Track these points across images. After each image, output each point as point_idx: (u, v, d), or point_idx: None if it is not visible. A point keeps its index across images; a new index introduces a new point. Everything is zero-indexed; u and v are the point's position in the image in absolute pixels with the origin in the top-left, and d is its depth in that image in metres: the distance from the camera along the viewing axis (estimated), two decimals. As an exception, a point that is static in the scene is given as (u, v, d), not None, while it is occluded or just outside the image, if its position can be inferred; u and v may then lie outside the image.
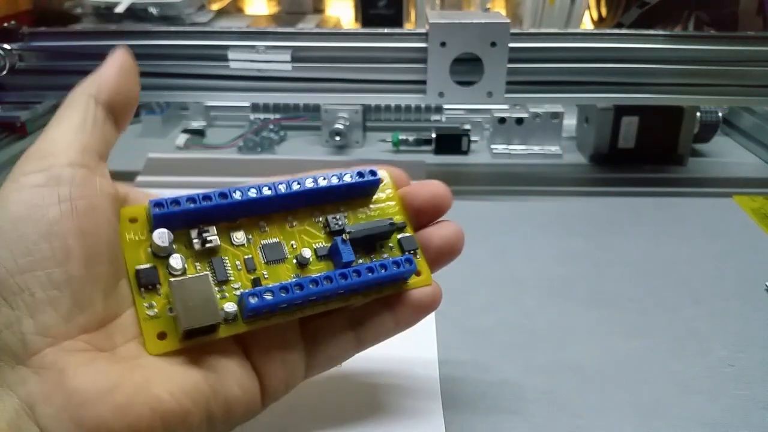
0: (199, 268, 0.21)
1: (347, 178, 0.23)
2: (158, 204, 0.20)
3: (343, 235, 0.22)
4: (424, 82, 0.45)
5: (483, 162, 0.55)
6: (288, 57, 0.44)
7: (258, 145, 0.56)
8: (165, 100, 0.60)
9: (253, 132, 0.57)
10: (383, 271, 0.22)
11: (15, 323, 0.17)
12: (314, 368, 0.23)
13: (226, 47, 0.44)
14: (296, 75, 0.45)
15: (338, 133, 0.55)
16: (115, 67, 0.22)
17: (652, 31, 0.46)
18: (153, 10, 0.65)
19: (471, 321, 0.34)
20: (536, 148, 0.55)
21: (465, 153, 0.55)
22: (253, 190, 0.21)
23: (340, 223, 0.23)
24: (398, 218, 0.24)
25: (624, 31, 0.49)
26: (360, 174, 0.23)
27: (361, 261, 0.23)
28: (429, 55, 0.44)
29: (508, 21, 0.43)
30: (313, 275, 0.21)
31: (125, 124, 0.22)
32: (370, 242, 0.23)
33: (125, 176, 0.49)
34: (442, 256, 0.24)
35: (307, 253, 0.22)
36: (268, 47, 0.44)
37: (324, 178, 0.22)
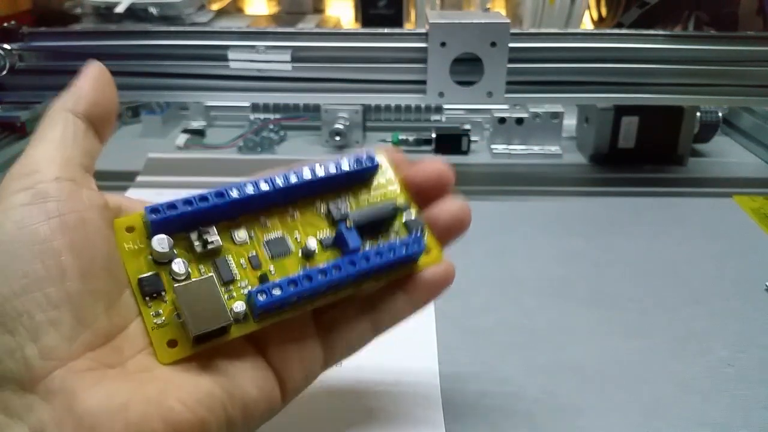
0: (203, 270, 0.20)
1: (345, 166, 0.22)
2: (154, 210, 0.20)
3: (347, 221, 0.22)
4: (424, 82, 0.45)
5: (483, 162, 0.55)
6: (288, 57, 0.44)
7: (258, 145, 0.56)
8: (165, 100, 0.60)
9: (253, 132, 0.57)
10: (392, 253, 0.21)
11: (17, 349, 0.17)
12: (332, 358, 0.22)
13: (226, 47, 0.44)
14: (296, 75, 0.45)
15: (338, 133, 0.55)
16: (91, 80, 0.21)
17: (652, 31, 0.46)
18: (153, 10, 0.65)
19: (471, 321, 0.34)
20: (536, 148, 0.55)
21: (465, 153, 0.55)
22: (251, 186, 0.21)
23: (342, 210, 0.22)
24: (401, 200, 0.23)
25: (624, 31, 0.49)
26: (358, 161, 0.22)
27: (368, 246, 0.22)
28: (429, 55, 0.44)
29: (508, 21, 0.43)
30: (321, 265, 0.20)
31: (107, 135, 0.22)
32: (375, 227, 0.22)
33: (125, 176, 0.49)
34: (450, 232, 0.24)
35: (313, 242, 0.21)
36: (268, 47, 0.44)
37: (322, 168, 0.22)
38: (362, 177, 0.23)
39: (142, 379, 0.18)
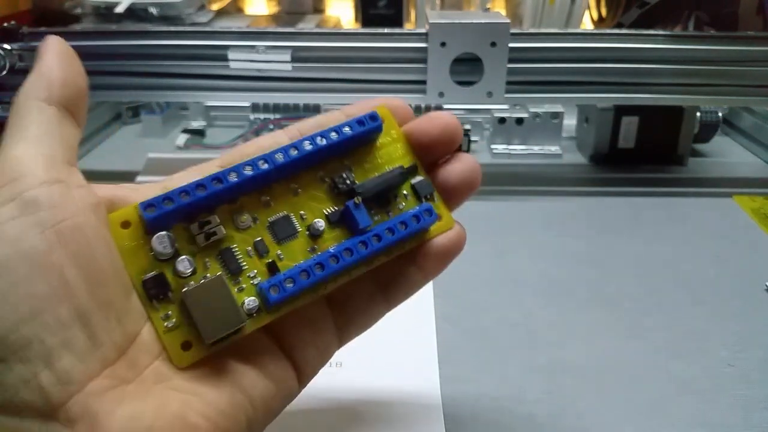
0: (208, 263, 0.19)
1: (347, 131, 0.21)
2: (149, 205, 0.18)
3: (355, 198, 0.20)
4: (424, 82, 0.45)
5: (483, 162, 0.54)
6: (288, 57, 0.44)
7: (258, 145, 0.56)
8: (165, 100, 0.60)
9: (253, 132, 0.57)
10: (404, 228, 0.20)
11: (31, 378, 0.15)
12: (346, 337, 0.22)
13: (226, 47, 0.44)
14: (296, 75, 0.45)
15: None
16: (55, 58, 0.19)
17: (652, 31, 0.46)
18: (153, 10, 0.65)
19: (471, 321, 0.34)
20: (536, 148, 0.55)
21: (465, 153, 0.55)
22: (249, 167, 0.19)
23: (348, 181, 0.21)
24: (407, 161, 0.22)
25: (624, 31, 0.49)
26: (360, 122, 0.21)
27: (377, 218, 0.21)
28: (429, 55, 0.44)
29: (508, 21, 0.43)
30: (332, 250, 0.20)
31: (83, 119, 0.20)
32: (383, 194, 0.21)
33: (125, 176, 0.49)
34: (460, 193, 0.23)
35: (320, 223, 0.20)
36: (268, 47, 0.44)
37: (322, 137, 0.20)
38: (366, 138, 0.22)
39: (162, 394, 0.17)
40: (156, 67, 0.45)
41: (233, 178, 0.19)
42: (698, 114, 0.53)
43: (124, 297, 0.18)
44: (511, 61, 0.44)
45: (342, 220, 0.21)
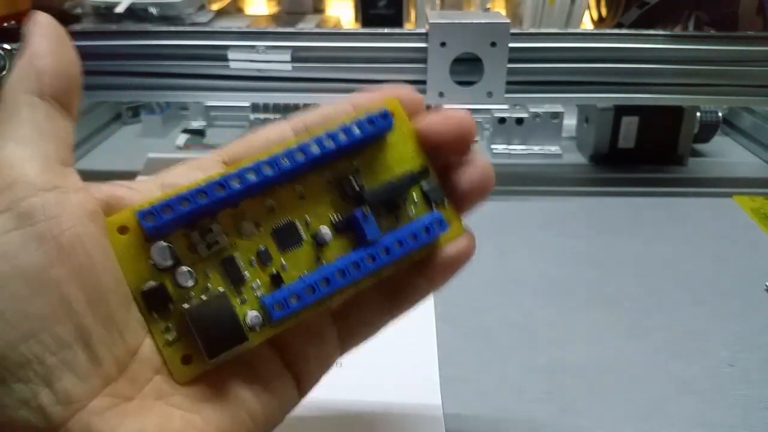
0: (209, 273, 0.18)
1: (356, 132, 0.19)
2: (148, 214, 0.17)
3: (363, 208, 0.19)
4: (424, 82, 0.45)
5: (483, 162, 0.54)
6: (288, 57, 0.44)
7: (258, 145, 0.56)
8: (165, 100, 0.60)
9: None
10: (413, 240, 0.20)
11: (31, 398, 0.15)
12: (348, 347, 0.21)
13: (226, 47, 0.44)
14: (296, 75, 0.45)
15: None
16: (44, 42, 0.18)
17: (652, 31, 0.46)
18: (153, 10, 0.65)
19: (471, 321, 0.34)
20: (536, 148, 0.55)
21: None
22: (253, 173, 0.18)
23: (356, 186, 0.20)
24: (418, 163, 0.21)
25: (624, 31, 0.49)
26: (370, 121, 0.20)
27: (385, 222, 0.20)
28: (429, 55, 0.44)
29: (508, 21, 0.43)
30: (339, 264, 0.19)
31: (75, 112, 0.18)
32: (392, 200, 0.20)
33: (125, 176, 0.49)
34: (472, 199, 0.21)
35: (326, 231, 0.19)
36: (268, 47, 0.44)
37: (330, 139, 0.19)
38: (375, 137, 0.20)
39: (163, 412, 0.17)
40: (156, 67, 0.45)
41: (236, 184, 0.18)
42: (698, 114, 0.53)
43: (125, 309, 0.17)
44: (511, 61, 0.44)
45: (349, 228, 0.20)
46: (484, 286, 0.37)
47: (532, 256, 0.40)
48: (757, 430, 0.27)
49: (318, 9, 0.85)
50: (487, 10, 0.69)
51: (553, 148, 0.55)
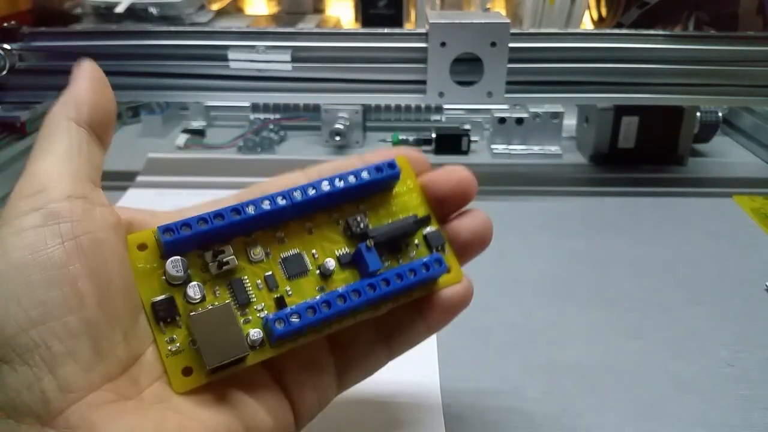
0: (218, 292, 0.19)
1: (365, 176, 0.21)
2: (168, 229, 0.19)
3: (367, 241, 0.21)
4: (424, 82, 0.45)
5: (483, 162, 0.54)
6: (288, 57, 0.44)
7: (258, 145, 0.56)
8: (165, 100, 0.60)
9: (253, 132, 0.57)
10: (413, 276, 0.21)
11: (35, 382, 0.16)
12: (346, 384, 0.22)
13: (226, 47, 0.44)
14: (296, 75, 0.45)
15: (338, 133, 0.55)
16: (87, 82, 0.20)
17: (652, 31, 0.46)
18: (153, 10, 0.65)
19: (471, 321, 0.34)
20: (536, 148, 0.55)
21: (465, 153, 0.55)
22: (267, 202, 0.20)
23: (361, 225, 0.21)
24: (421, 211, 0.22)
25: (624, 31, 0.49)
26: (378, 169, 0.21)
27: (387, 263, 0.21)
28: (429, 55, 0.44)
29: (508, 21, 0.43)
30: (340, 290, 0.20)
31: (108, 142, 0.21)
32: (395, 241, 0.22)
33: (125, 176, 0.49)
34: (471, 248, 0.23)
35: (331, 263, 0.21)
36: (268, 47, 0.44)
37: (340, 179, 0.21)
38: (382, 185, 0.22)
39: (161, 414, 0.17)
40: (156, 67, 0.45)
41: (251, 210, 0.19)
42: (698, 114, 0.53)
43: (133, 316, 0.18)
44: (511, 61, 0.44)
45: (353, 263, 0.21)
46: (484, 286, 0.37)
47: (532, 256, 0.40)
48: (757, 430, 0.27)
49: (318, 9, 0.85)
50: (487, 10, 0.69)
51: (553, 148, 0.55)
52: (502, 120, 0.55)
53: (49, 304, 0.16)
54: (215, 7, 0.77)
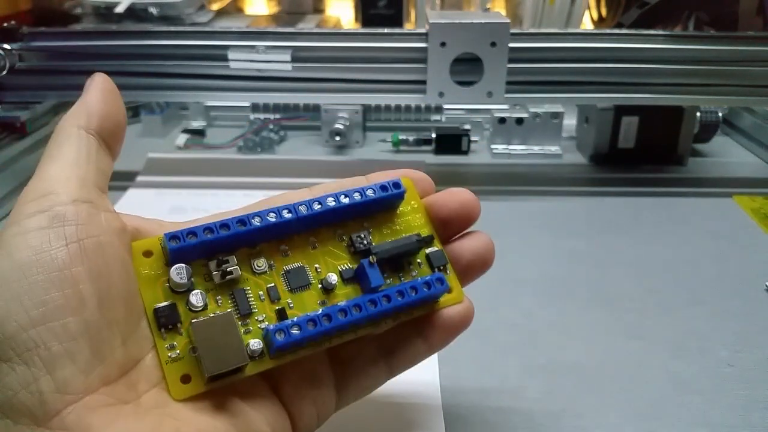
0: (220, 301, 0.20)
1: (370, 193, 0.21)
2: (174, 237, 0.19)
3: (370, 257, 0.21)
4: (424, 82, 0.45)
5: (483, 162, 0.54)
6: (288, 57, 0.44)
7: (258, 145, 0.56)
8: (165, 100, 0.60)
9: (253, 132, 0.57)
10: (414, 293, 0.21)
11: (32, 382, 0.16)
12: (345, 400, 0.22)
13: (226, 47, 0.44)
14: (296, 75, 0.45)
15: (338, 133, 0.55)
16: (99, 93, 0.21)
17: (652, 31, 0.46)
18: (153, 10, 0.65)
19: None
20: (536, 148, 0.55)
21: (465, 153, 0.55)
22: (273, 215, 0.20)
23: (365, 242, 0.22)
24: (425, 231, 0.23)
25: (624, 31, 0.49)
26: (383, 188, 0.22)
27: (389, 281, 0.22)
28: (429, 55, 0.44)
29: (508, 21, 0.43)
30: (341, 304, 0.20)
31: (118, 151, 0.21)
32: (397, 259, 0.22)
33: (125, 176, 0.49)
34: (472, 270, 0.23)
35: (333, 278, 0.21)
36: (268, 47, 0.44)
37: (346, 196, 0.21)
38: (387, 204, 0.22)
39: (157, 419, 0.17)
40: (156, 67, 0.45)
41: (256, 222, 0.20)
42: (698, 114, 0.53)
43: (133, 320, 0.18)
44: (511, 61, 0.44)
45: (355, 279, 0.21)
46: (484, 286, 0.37)
47: (532, 256, 0.40)
48: (757, 430, 0.27)
49: (318, 9, 0.85)
50: (487, 10, 0.69)
51: (553, 148, 0.55)
52: (502, 120, 0.55)
53: (50, 305, 0.16)
54: (215, 7, 0.77)
